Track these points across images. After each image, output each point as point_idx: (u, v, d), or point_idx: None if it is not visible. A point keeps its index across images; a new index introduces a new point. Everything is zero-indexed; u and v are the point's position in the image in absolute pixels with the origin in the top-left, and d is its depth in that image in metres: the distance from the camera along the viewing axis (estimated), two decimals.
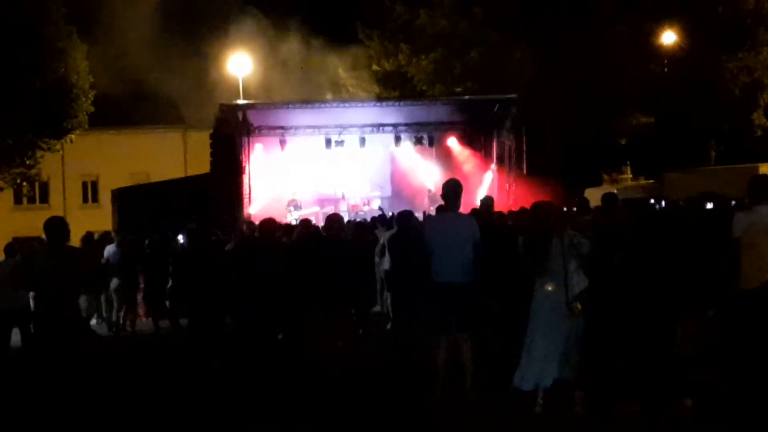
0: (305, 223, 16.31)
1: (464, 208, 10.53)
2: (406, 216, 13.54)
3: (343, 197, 30.34)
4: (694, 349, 9.52)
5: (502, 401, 9.41)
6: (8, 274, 12.35)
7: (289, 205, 28.79)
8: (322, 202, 30.53)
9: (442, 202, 10.91)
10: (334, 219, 11.71)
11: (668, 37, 38.67)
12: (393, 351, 12.52)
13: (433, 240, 9.90)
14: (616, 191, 30.15)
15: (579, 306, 8.95)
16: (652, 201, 17.76)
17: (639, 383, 8.83)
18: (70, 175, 50.16)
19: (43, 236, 9.30)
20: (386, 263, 15.36)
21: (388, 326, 15.58)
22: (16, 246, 15.68)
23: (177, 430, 9.68)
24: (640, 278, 8.68)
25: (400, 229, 13.68)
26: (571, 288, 8.99)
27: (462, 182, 10.48)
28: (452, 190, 10.11)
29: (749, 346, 9.21)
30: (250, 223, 22.49)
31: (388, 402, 10.12)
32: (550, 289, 9.12)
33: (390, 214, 20.70)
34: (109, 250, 18.47)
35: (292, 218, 26.80)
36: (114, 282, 18.10)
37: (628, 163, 45.03)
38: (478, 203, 14.28)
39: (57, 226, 9.11)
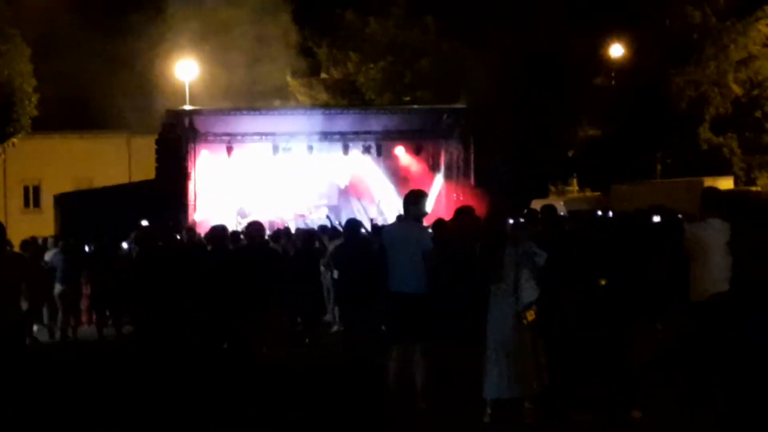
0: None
1: None
2: (353, 225, 13.40)
3: (290, 206, 30.18)
4: (645, 359, 9.45)
5: (452, 410, 9.28)
6: None
7: (238, 213, 28.52)
8: (268, 210, 30.29)
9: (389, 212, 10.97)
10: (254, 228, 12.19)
11: (616, 50, 39.02)
12: (341, 359, 12.41)
13: (388, 248, 9.81)
14: (562, 203, 30.42)
15: (529, 316, 8.84)
16: (599, 213, 17.79)
17: (590, 394, 8.77)
18: (11, 179, 49.56)
19: None
20: (335, 272, 15.28)
21: (333, 330, 15.67)
22: None
23: None
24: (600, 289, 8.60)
25: (347, 239, 13.55)
26: (521, 297, 8.89)
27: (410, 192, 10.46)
28: (410, 199, 10.05)
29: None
30: (192, 229, 22.25)
31: (338, 410, 9.99)
32: (501, 297, 9.03)
33: (337, 222, 20.59)
34: (51, 255, 18.10)
35: (240, 226, 26.55)
36: (57, 288, 17.71)
37: (575, 175, 45.33)
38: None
39: None
